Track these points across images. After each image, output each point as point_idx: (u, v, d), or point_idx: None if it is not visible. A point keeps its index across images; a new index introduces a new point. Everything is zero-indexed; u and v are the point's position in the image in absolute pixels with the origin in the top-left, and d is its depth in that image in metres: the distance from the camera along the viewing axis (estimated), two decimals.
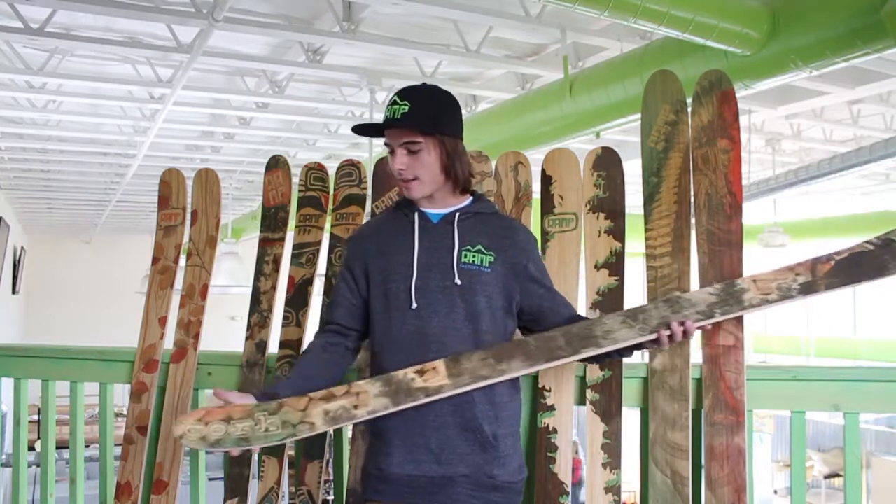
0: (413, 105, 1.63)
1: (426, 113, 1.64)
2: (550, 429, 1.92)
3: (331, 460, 2.21)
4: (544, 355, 1.67)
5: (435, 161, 1.67)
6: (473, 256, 1.69)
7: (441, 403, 1.64)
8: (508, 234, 1.74)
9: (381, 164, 2.20)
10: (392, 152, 1.68)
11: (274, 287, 2.23)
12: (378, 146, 6.58)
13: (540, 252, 1.85)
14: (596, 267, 1.97)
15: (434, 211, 1.73)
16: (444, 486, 1.64)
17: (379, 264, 1.71)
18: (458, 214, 1.72)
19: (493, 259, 1.69)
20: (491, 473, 1.66)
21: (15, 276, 10.33)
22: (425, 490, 1.65)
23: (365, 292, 1.74)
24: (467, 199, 1.75)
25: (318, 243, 2.22)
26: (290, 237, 2.25)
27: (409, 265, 1.68)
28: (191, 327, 2.25)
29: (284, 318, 2.19)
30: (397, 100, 1.65)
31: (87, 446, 2.57)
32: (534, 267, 1.74)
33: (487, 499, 1.66)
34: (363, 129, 1.74)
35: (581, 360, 1.78)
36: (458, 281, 1.66)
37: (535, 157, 2.23)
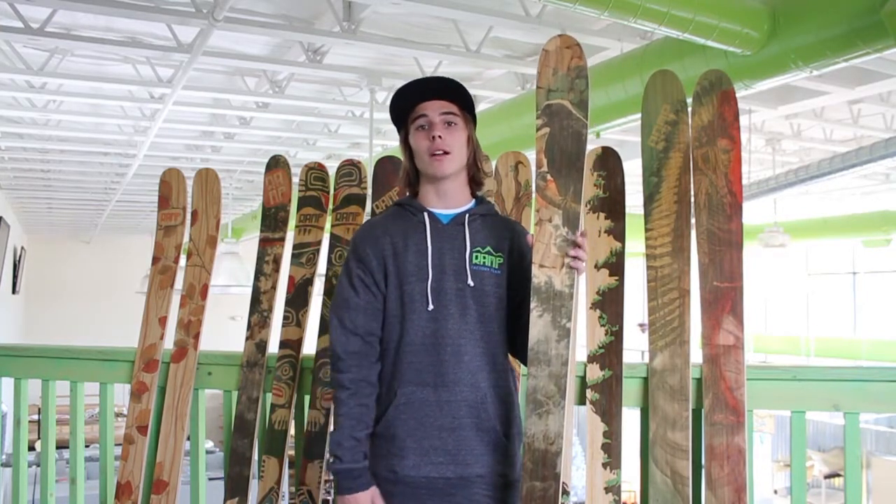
0: (453, 83, 1.71)
1: (465, 93, 1.72)
2: None
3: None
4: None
5: (465, 140, 1.71)
6: (483, 258, 1.68)
7: (458, 405, 1.63)
8: (512, 235, 1.75)
9: (381, 164, 2.20)
10: (424, 127, 1.68)
11: (274, 287, 2.23)
12: (378, 146, 6.58)
13: None
14: (596, 267, 1.97)
15: (443, 211, 1.72)
16: (462, 487, 1.64)
17: (394, 265, 1.68)
18: (467, 216, 1.72)
19: (501, 261, 1.70)
20: (503, 473, 1.68)
21: (15, 276, 10.33)
22: (443, 491, 1.64)
23: (384, 294, 1.68)
24: (472, 202, 1.76)
25: (319, 243, 2.22)
26: (290, 237, 2.26)
27: (424, 266, 1.66)
28: (191, 327, 2.25)
29: (284, 317, 2.19)
30: (435, 76, 1.72)
31: (87, 446, 2.57)
32: (528, 268, 1.74)
33: (500, 498, 1.68)
34: (400, 102, 1.73)
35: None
36: (470, 282, 1.66)
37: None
